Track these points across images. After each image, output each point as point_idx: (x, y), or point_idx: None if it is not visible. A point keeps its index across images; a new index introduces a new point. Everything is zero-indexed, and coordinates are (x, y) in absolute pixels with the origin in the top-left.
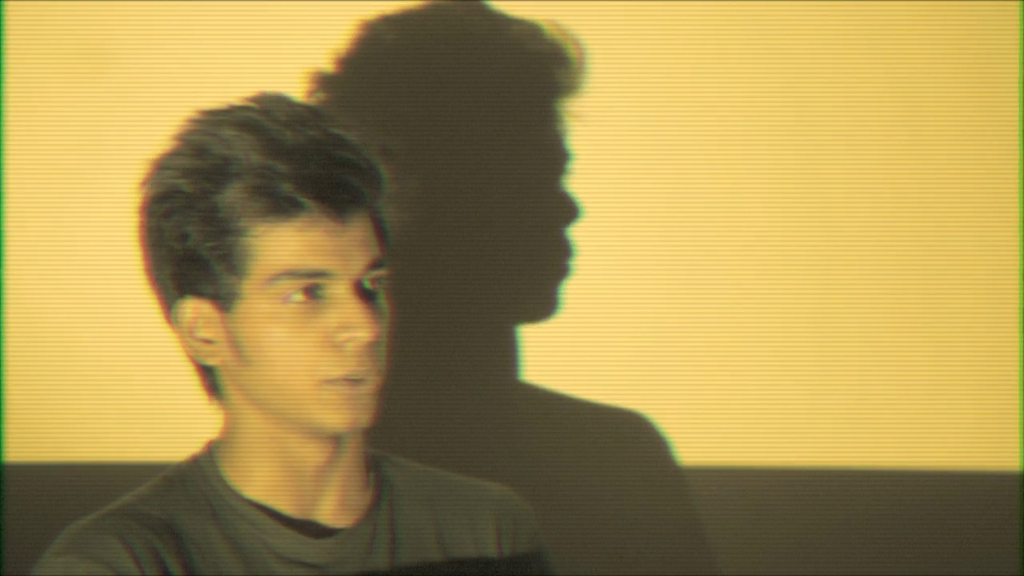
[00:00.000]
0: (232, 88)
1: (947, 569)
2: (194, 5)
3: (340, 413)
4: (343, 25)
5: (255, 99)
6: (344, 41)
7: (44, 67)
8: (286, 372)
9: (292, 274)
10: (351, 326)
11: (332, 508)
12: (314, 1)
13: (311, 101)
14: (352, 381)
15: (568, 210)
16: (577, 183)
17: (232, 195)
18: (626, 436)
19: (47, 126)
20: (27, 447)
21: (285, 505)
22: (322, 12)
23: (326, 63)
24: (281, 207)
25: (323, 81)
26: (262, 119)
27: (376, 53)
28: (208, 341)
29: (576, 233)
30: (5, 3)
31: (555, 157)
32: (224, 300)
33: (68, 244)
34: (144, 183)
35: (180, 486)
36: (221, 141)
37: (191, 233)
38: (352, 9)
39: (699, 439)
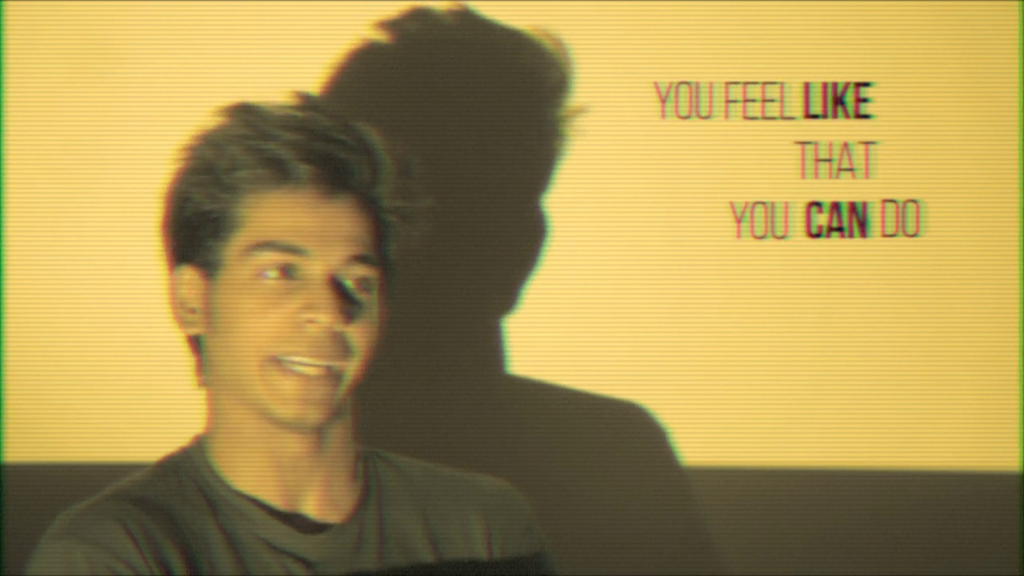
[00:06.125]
0: (233, 88)
1: (947, 569)
2: (196, 5)
3: (288, 405)
4: (346, 26)
5: (299, 100)
6: (339, 45)
7: (44, 67)
8: (240, 343)
9: (271, 246)
10: (314, 307)
11: (317, 503)
12: (316, 2)
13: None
14: (304, 376)
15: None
16: (577, 179)
17: (229, 155)
18: (625, 429)
19: (47, 126)
20: (27, 447)
21: (272, 497)
22: (325, 12)
23: (320, 68)
24: (271, 168)
25: (317, 84)
26: (297, 113)
27: (370, 57)
28: (192, 310)
29: (576, 230)
30: (5, 3)
31: (545, 160)
32: (210, 268)
33: (68, 244)
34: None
35: (173, 475)
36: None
37: (192, 196)
38: (354, 9)
39: (698, 439)
